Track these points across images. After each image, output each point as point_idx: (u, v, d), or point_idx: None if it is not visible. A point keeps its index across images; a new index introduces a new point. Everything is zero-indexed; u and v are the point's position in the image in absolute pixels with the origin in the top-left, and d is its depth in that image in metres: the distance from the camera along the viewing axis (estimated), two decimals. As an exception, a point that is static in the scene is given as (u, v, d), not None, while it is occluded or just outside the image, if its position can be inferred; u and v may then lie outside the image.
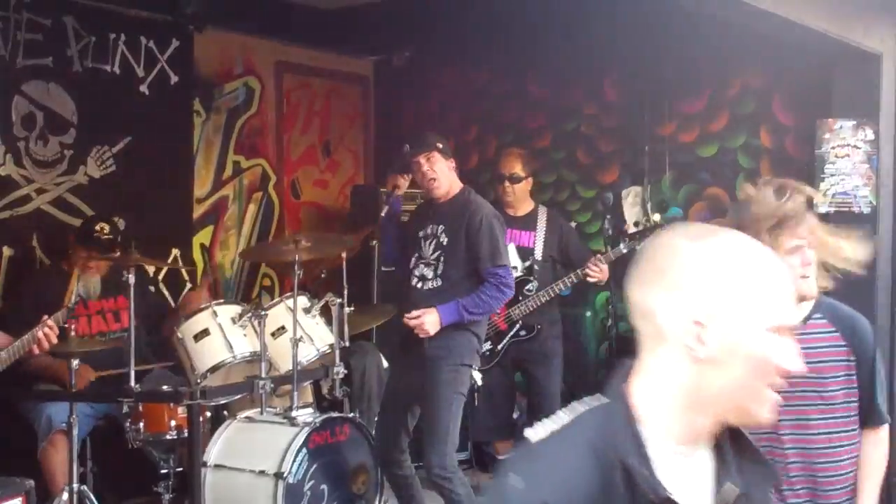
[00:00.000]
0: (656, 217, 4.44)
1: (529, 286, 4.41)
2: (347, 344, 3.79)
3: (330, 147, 5.72)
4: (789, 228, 1.90)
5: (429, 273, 3.49)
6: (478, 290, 3.43)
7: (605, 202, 4.59)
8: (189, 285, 4.95)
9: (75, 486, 3.32)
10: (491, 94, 5.50)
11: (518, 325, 4.40)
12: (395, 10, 5.01)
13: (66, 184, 4.40)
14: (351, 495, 3.57)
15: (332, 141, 5.73)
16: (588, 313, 5.13)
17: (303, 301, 3.82)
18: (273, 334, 3.74)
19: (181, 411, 3.53)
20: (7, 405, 3.76)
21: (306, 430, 3.41)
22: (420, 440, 3.54)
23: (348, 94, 5.81)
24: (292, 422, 3.50)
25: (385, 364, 4.30)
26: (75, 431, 3.30)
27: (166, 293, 4.81)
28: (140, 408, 3.57)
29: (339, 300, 3.70)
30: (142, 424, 3.57)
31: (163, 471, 3.63)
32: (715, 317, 1.05)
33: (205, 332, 3.63)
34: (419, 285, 3.51)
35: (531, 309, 4.37)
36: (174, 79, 4.78)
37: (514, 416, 4.81)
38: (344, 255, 3.79)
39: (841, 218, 4.28)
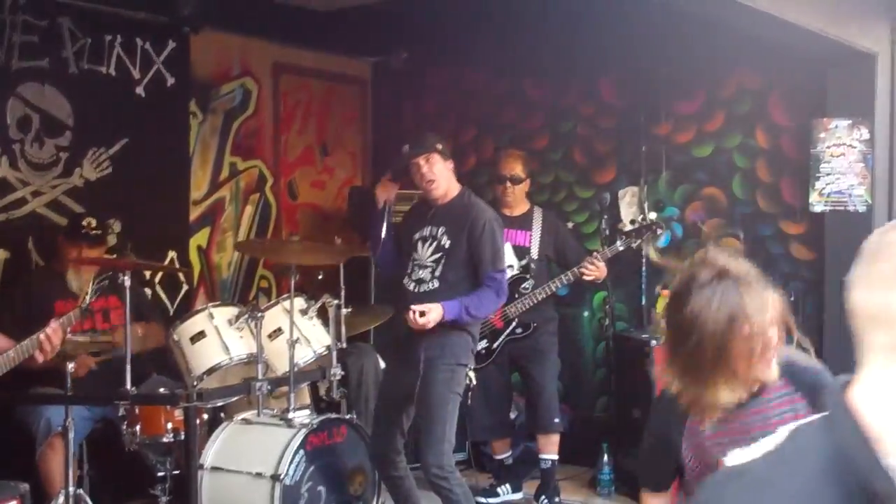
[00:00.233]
0: (652, 216, 4.45)
1: (526, 284, 4.41)
2: (344, 345, 3.79)
3: (327, 148, 5.72)
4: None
5: (426, 275, 3.49)
6: (477, 292, 3.42)
7: (602, 202, 4.60)
8: (186, 287, 4.94)
9: (72, 489, 3.31)
10: (488, 96, 5.50)
11: (514, 323, 4.40)
12: (392, 11, 5.01)
13: (61, 186, 4.40)
14: (348, 497, 3.57)
15: (330, 142, 5.73)
16: (585, 313, 5.13)
17: (300, 302, 3.82)
18: (270, 336, 3.74)
19: (178, 414, 3.53)
20: (4, 409, 3.75)
21: (303, 431, 3.41)
22: (417, 441, 3.54)
23: (346, 95, 5.81)
24: (289, 423, 3.50)
25: (382, 365, 4.31)
26: (71, 434, 3.29)
27: (163, 295, 4.81)
28: (136, 410, 3.57)
29: (335, 301, 3.70)
30: (138, 427, 3.57)
31: (159, 473, 3.63)
32: None
33: (201, 335, 3.63)
34: (415, 288, 3.51)
35: (527, 307, 4.38)
36: (170, 80, 4.78)
37: (512, 415, 4.81)
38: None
39: (836, 217, 4.30)
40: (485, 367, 4.37)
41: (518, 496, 4.57)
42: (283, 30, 5.20)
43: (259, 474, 3.35)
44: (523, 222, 4.52)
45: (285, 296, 3.79)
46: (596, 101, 5.12)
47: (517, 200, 4.50)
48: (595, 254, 4.29)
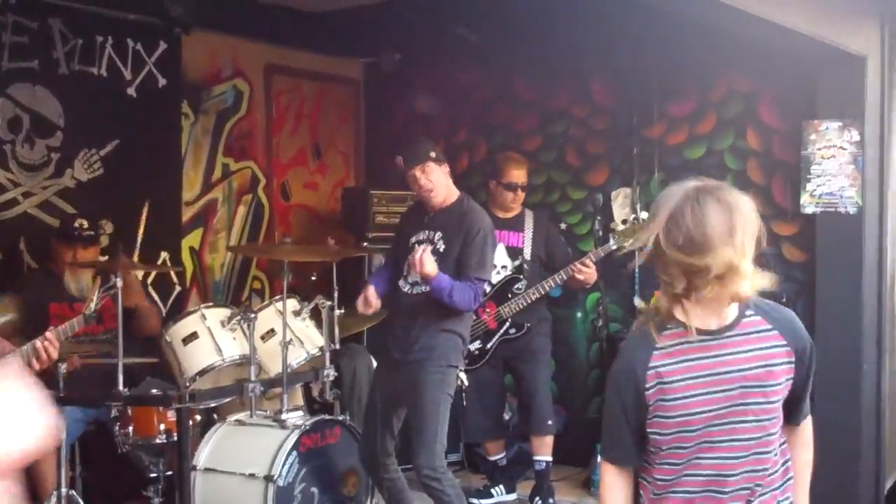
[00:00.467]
0: (644, 215, 4.46)
1: (519, 285, 4.42)
2: (338, 346, 3.79)
3: (320, 149, 5.71)
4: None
5: (420, 278, 3.49)
6: (463, 284, 3.41)
7: (595, 203, 4.61)
8: (178, 288, 4.93)
9: (64, 490, 3.30)
10: (480, 97, 5.51)
11: (508, 324, 4.41)
12: (384, 12, 5.01)
13: (53, 187, 4.38)
14: (341, 498, 3.57)
15: (322, 143, 5.72)
16: (579, 314, 5.15)
17: (293, 304, 3.82)
18: (263, 337, 3.74)
19: (170, 415, 3.52)
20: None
21: (296, 432, 3.41)
22: (408, 443, 3.54)
23: (338, 96, 5.81)
24: (282, 425, 3.49)
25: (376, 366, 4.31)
26: (64, 436, 3.28)
27: (155, 296, 4.80)
28: (129, 412, 3.56)
29: (329, 303, 3.70)
30: (131, 428, 3.56)
31: (152, 475, 3.62)
32: None
33: (193, 336, 3.63)
34: (410, 290, 3.51)
35: (520, 307, 4.39)
36: (162, 81, 4.76)
37: (506, 416, 4.82)
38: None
39: (827, 218, 4.32)
40: (478, 367, 4.38)
41: (512, 497, 4.57)
42: (275, 31, 5.20)
43: (252, 475, 3.34)
44: (516, 224, 4.53)
45: (278, 297, 3.79)
46: (588, 103, 5.14)
47: (518, 204, 4.54)
48: (589, 254, 4.31)
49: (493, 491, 4.53)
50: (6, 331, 3.51)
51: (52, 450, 3.46)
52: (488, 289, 4.23)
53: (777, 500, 1.81)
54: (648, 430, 1.77)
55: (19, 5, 4.18)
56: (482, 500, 4.47)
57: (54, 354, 3.16)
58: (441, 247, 3.48)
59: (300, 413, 3.70)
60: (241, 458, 3.42)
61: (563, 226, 5.07)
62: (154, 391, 3.56)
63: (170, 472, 3.60)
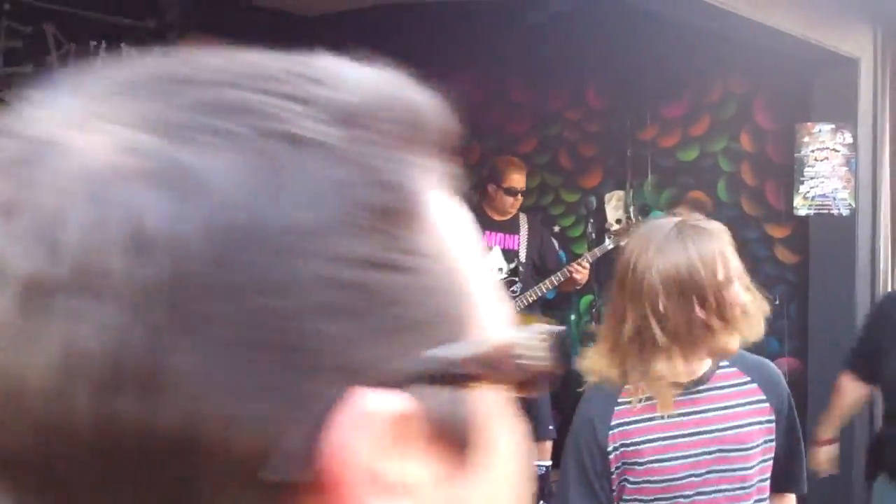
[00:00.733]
0: (638, 217, 4.48)
1: (514, 287, 4.43)
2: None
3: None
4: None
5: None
6: None
7: (588, 206, 4.62)
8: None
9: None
10: (473, 100, 5.51)
11: (503, 329, 4.41)
12: (377, 16, 5.02)
13: (47, 192, 4.37)
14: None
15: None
16: (572, 316, 5.15)
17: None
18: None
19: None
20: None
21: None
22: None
23: (331, 99, 5.80)
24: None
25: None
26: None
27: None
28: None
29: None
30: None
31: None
32: None
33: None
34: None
35: (517, 310, 4.39)
36: (156, 86, 4.75)
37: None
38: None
39: (821, 220, 4.34)
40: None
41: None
42: (269, 35, 5.17)
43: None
44: (511, 226, 4.54)
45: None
46: (582, 106, 5.15)
47: (516, 209, 4.55)
48: (586, 255, 4.33)
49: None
50: None
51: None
52: None
53: None
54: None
55: (13, 10, 4.17)
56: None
57: None
58: None
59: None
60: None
61: (556, 228, 5.08)
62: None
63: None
